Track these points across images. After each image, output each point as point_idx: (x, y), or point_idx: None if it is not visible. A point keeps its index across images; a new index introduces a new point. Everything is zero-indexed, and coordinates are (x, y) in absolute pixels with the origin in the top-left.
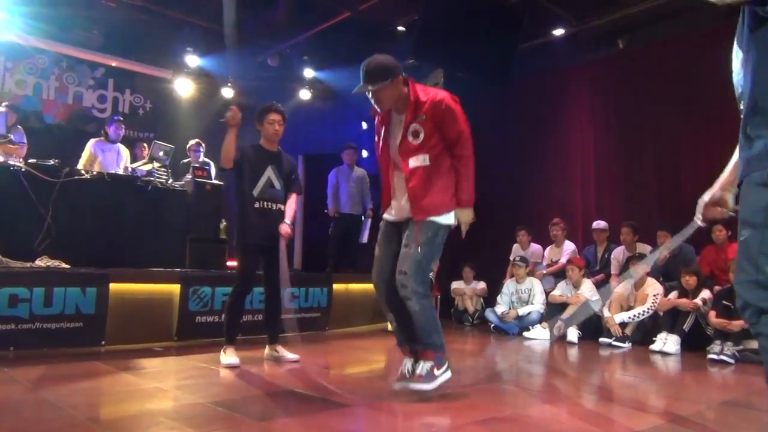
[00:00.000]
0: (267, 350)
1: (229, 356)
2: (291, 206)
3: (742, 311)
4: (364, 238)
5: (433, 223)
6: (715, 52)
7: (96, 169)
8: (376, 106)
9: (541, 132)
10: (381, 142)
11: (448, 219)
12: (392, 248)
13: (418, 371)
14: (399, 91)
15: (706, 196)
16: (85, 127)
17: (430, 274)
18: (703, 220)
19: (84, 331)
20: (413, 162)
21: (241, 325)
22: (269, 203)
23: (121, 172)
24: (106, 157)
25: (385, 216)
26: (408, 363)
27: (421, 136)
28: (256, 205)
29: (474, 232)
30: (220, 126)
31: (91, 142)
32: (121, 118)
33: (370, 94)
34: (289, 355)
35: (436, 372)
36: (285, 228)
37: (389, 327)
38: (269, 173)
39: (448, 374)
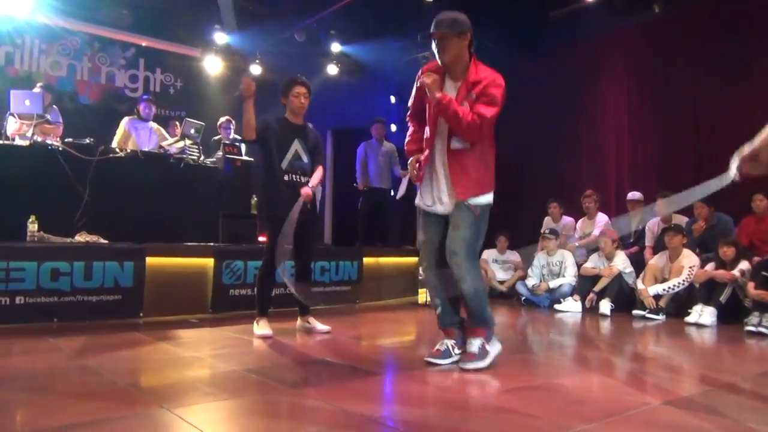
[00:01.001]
0: (299, 321)
1: (262, 327)
2: (317, 174)
3: None
4: (399, 194)
5: (478, 205)
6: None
7: (130, 146)
8: (437, 55)
9: (573, 103)
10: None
11: (488, 198)
12: (437, 234)
13: (469, 349)
14: (463, 51)
15: (746, 150)
16: (117, 106)
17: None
18: (739, 175)
19: (123, 304)
20: (455, 143)
21: (273, 298)
22: (297, 176)
23: (156, 149)
24: (140, 135)
25: (425, 208)
26: (448, 342)
27: None
28: (285, 177)
29: (507, 205)
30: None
31: (125, 120)
32: (152, 98)
33: (436, 41)
34: (321, 327)
35: (488, 347)
36: (306, 189)
37: (420, 300)
38: (296, 146)
39: (498, 347)
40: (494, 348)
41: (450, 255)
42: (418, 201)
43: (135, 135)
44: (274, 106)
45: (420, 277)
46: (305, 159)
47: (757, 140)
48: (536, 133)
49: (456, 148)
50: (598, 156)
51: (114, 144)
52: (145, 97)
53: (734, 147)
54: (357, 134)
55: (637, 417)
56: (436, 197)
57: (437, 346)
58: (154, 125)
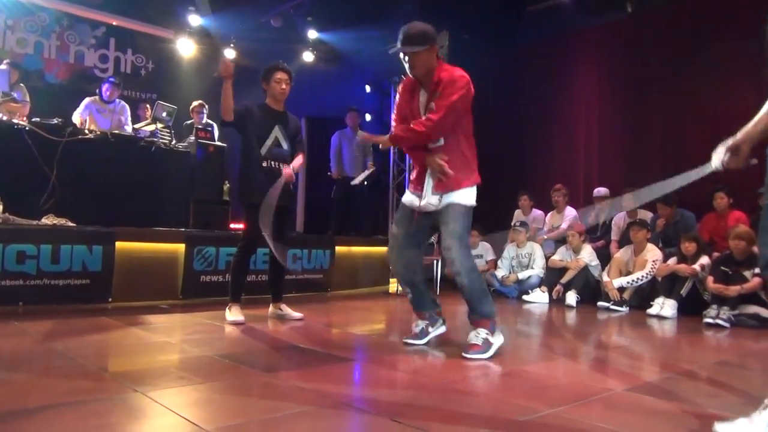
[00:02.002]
0: (271, 308)
1: (234, 314)
2: (298, 158)
3: (763, 270)
4: (356, 180)
5: (460, 204)
6: (723, 16)
7: (90, 127)
8: (409, 71)
9: (545, 97)
10: (412, 112)
11: (473, 195)
12: (410, 228)
13: (473, 341)
14: (432, 61)
15: (729, 142)
16: (87, 86)
17: (432, 238)
18: (722, 166)
19: (91, 288)
20: (430, 143)
21: (245, 285)
22: (276, 162)
23: (126, 131)
24: (99, 117)
25: (405, 201)
26: (421, 324)
27: None
28: (264, 164)
29: (478, 197)
30: (221, 85)
31: (86, 100)
32: (118, 81)
33: (406, 57)
34: (293, 314)
35: (492, 339)
36: (287, 169)
37: (391, 290)
38: (276, 133)
39: (501, 338)
40: (497, 339)
41: (444, 251)
42: (405, 198)
43: (96, 118)
44: (249, 91)
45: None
46: (285, 146)
47: (740, 134)
48: (509, 126)
49: (432, 147)
50: (568, 150)
51: (74, 119)
52: (111, 79)
53: (700, 145)
54: (331, 123)
55: (599, 402)
56: (423, 195)
57: (413, 328)
58: (120, 105)
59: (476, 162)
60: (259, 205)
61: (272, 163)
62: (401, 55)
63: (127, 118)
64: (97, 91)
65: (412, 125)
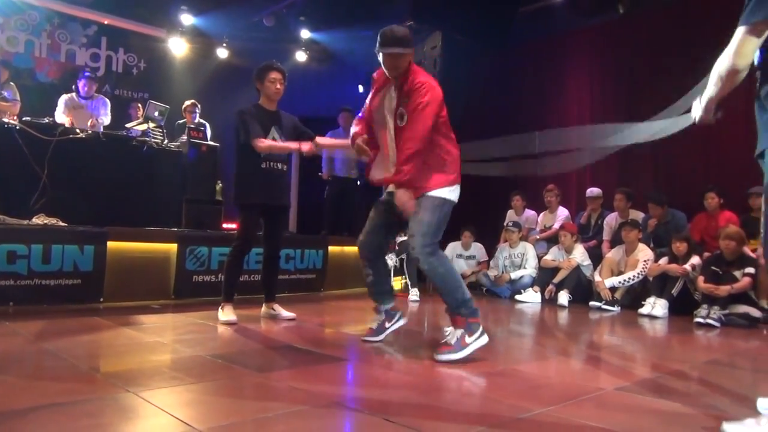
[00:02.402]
0: (264, 308)
1: (227, 314)
2: (328, 139)
3: None
4: (355, 173)
5: (436, 197)
6: (715, 18)
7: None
8: (386, 70)
9: (538, 97)
10: (377, 106)
11: (451, 193)
12: (383, 216)
13: (447, 339)
14: (408, 65)
15: (704, 98)
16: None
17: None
18: (700, 119)
19: (82, 288)
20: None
21: (238, 285)
22: (274, 163)
23: (104, 122)
24: (77, 114)
25: (387, 189)
26: (378, 319)
27: (405, 118)
28: (263, 165)
29: (472, 198)
30: (216, 86)
31: (63, 98)
32: (93, 75)
33: (388, 57)
34: (286, 313)
35: (467, 339)
36: (309, 144)
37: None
38: (273, 134)
39: (484, 339)
40: (476, 341)
41: (408, 237)
42: (388, 191)
43: (72, 115)
44: (242, 91)
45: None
46: None
47: (705, 94)
48: (502, 126)
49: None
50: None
51: (58, 119)
52: (86, 73)
53: (692, 145)
54: (324, 123)
55: (591, 401)
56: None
57: (370, 325)
58: (100, 101)
59: (458, 162)
60: (256, 205)
61: (270, 163)
62: (381, 55)
63: (107, 112)
64: (73, 87)
65: (406, 169)
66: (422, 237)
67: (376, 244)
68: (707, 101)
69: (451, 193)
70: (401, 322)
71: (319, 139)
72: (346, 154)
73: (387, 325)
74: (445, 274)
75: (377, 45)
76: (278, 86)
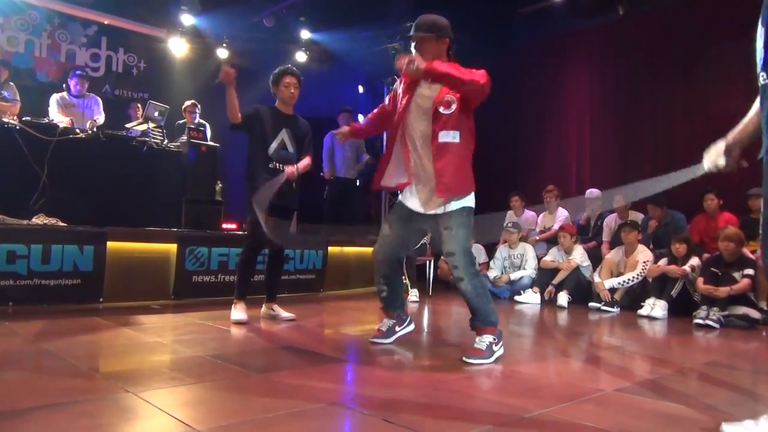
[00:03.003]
0: (264, 308)
1: (238, 311)
2: (305, 160)
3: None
4: (354, 174)
5: (465, 207)
6: (714, 19)
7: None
8: (415, 55)
9: (537, 98)
10: (401, 109)
11: (471, 200)
12: (402, 231)
13: (477, 345)
14: (442, 55)
15: (720, 144)
16: None
17: (425, 238)
18: (714, 168)
19: (82, 288)
20: (443, 137)
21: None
22: (282, 164)
23: (99, 122)
24: (68, 114)
25: (406, 202)
26: (388, 323)
27: (453, 107)
28: (270, 165)
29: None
30: (217, 86)
31: (54, 97)
32: (85, 73)
33: (414, 43)
34: (285, 314)
35: (495, 348)
36: (291, 167)
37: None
38: (283, 135)
39: (502, 350)
40: (500, 349)
41: (447, 256)
42: (403, 199)
43: (64, 114)
44: (244, 91)
45: None
46: (291, 149)
47: (730, 136)
48: (502, 127)
49: (444, 142)
50: (560, 152)
51: (55, 119)
52: (77, 71)
53: (692, 146)
54: (324, 123)
55: (591, 402)
56: (423, 199)
57: (379, 326)
58: (93, 100)
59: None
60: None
61: (278, 164)
62: (412, 44)
63: (100, 110)
64: (64, 86)
65: (453, 71)
66: (465, 255)
67: (394, 258)
68: (734, 145)
69: (473, 198)
70: (410, 328)
71: (300, 165)
72: (347, 151)
73: (397, 329)
74: (486, 293)
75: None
76: (293, 90)
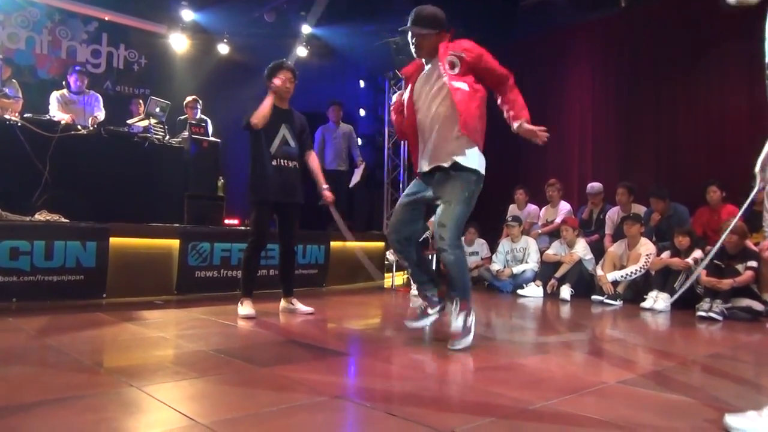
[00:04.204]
0: (282, 303)
1: (246, 308)
2: (317, 168)
3: None
4: (352, 183)
5: (470, 183)
6: (717, 12)
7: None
8: (413, 50)
9: (540, 92)
10: (413, 95)
11: (481, 166)
12: (408, 206)
13: (453, 329)
14: (434, 46)
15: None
16: None
17: (427, 233)
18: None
19: (85, 284)
20: (456, 82)
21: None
22: (285, 161)
23: (100, 118)
24: (69, 111)
25: (421, 170)
26: (421, 305)
27: (458, 68)
28: (274, 162)
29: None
30: (215, 83)
31: (55, 94)
32: (84, 69)
33: (413, 38)
34: (304, 308)
35: (468, 321)
36: (327, 194)
37: (386, 284)
38: (284, 131)
39: (473, 317)
40: (472, 321)
41: (437, 226)
42: (420, 168)
43: (65, 111)
44: (244, 87)
45: (386, 262)
46: (293, 144)
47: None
48: (502, 121)
49: (457, 87)
50: (562, 145)
51: (55, 116)
52: (77, 67)
53: (694, 140)
54: (325, 118)
55: (593, 394)
56: (427, 153)
57: (411, 304)
58: (93, 96)
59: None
60: (267, 202)
61: (281, 161)
62: (409, 35)
63: (101, 107)
64: (65, 83)
65: (512, 91)
66: (453, 230)
67: (404, 235)
68: None
69: (483, 160)
70: (440, 313)
71: (325, 193)
72: (339, 145)
73: (430, 311)
74: (463, 262)
75: None
76: (288, 85)
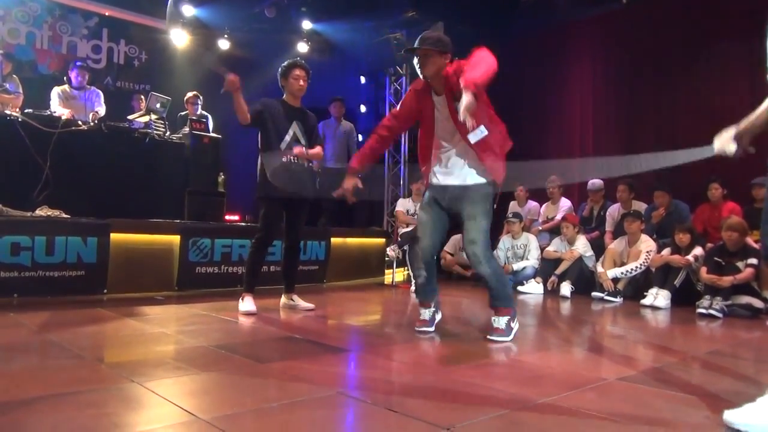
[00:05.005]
0: (283, 299)
1: (247, 304)
2: (317, 149)
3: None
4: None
5: (488, 195)
6: (719, 8)
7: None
8: (418, 69)
9: (540, 88)
10: (426, 121)
11: (496, 171)
12: (436, 219)
13: (496, 324)
14: (442, 68)
15: (732, 130)
16: None
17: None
18: (723, 151)
19: (86, 280)
20: (473, 138)
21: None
22: (295, 158)
23: (100, 114)
24: (70, 106)
25: (433, 181)
26: (428, 312)
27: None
28: (283, 159)
29: None
30: (216, 78)
31: (56, 90)
32: (85, 64)
33: (418, 57)
34: (305, 304)
35: (512, 325)
36: (299, 147)
37: (386, 281)
38: (294, 129)
39: (518, 325)
40: (516, 326)
41: (468, 244)
42: (433, 180)
43: (66, 107)
44: (244, 82)
45: (387, 258)
46: (303, 142)
47: (742, 124)
48: (504, 118)
49: (476, 141)
50: (562, 142)
51: (57, 111)
52: (77, 63)
53: (695, 136)
54: (326, 114)
55: (593, 391)
56: (452, 173)
57: (421, 316)
58: (94, 92)
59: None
60: (276, 198)
61: (291, 158)
62: (415, 59)
63: (101, 103)
64: (65, 78)
65: (482, 71)
66: (483, 243)
67: (437, 246)
68: (744, 133)
69: (499, 164)
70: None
71: (311, 151)
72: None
73: (437, 316)
74: (501, 274)
75: None
76: (302, 83)
